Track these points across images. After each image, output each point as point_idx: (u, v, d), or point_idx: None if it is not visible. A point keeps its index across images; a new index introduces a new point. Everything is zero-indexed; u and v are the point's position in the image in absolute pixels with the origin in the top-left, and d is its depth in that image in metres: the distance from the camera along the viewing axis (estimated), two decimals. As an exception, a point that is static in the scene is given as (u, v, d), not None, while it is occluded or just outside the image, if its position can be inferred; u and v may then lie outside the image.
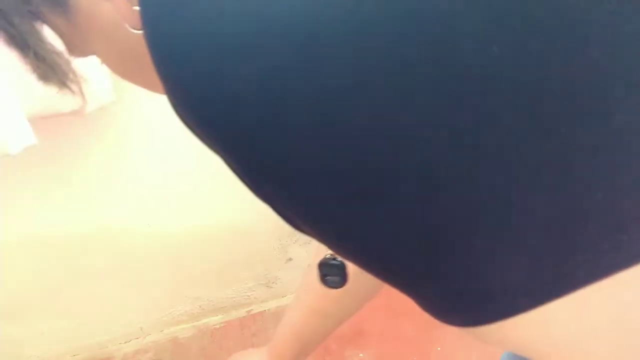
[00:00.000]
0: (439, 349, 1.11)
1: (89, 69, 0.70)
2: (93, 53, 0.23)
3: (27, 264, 0.93)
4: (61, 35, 0.21)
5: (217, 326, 1.21)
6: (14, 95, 0.59)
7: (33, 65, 0.21)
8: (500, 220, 0.13)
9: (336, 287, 0.44)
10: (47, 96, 0.65)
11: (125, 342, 1.17)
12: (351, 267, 0.42)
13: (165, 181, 0.94)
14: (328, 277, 0.45)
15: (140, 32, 0.15)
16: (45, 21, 0.20)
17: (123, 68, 0.23)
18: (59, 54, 0.21)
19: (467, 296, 0.15)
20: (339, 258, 0.42)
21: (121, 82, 0.86)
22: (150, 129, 0.87)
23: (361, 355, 1.11)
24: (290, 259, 1.22)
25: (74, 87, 0.22)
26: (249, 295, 1.24)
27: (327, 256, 0.44)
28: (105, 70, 0.76)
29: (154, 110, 0.85)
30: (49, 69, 0.21)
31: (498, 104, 0.13)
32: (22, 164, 0.81)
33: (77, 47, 0.23)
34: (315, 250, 0.48)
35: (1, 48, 0.62)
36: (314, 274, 0.45)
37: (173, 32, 0.14)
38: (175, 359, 1.14)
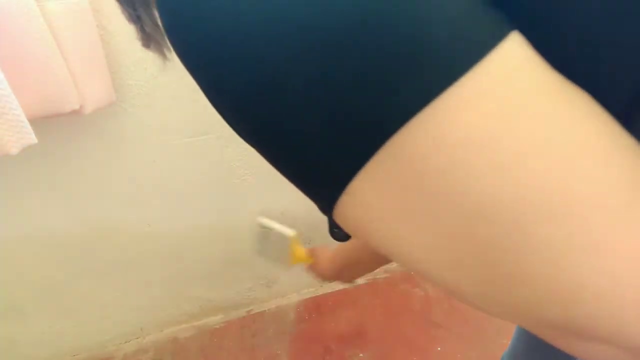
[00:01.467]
0: (439, 349, 1.11)
1: (89, 69, 0.70)
2: None
3: (27, 264, 0.93)
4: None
5: (217, 326, 1.22)
6: (14, 95, 0.59)
7: (142, 38, 0.26)
8: None
9: (341, 240, 0.45)
10: (47, 96, 0.65)
11: (125, 342, 1.17)
12: None
13: (165, 181, 0.94)
14: (335, 230, 0.46)
15: None
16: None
17: None
18: (157, 28, 0.26)
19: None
20: None
21: (121, 82, 0.86)
22: (150, 129, 0.87)
23: (361, 355, 1.11)
24: (290, 259, 1.22)
25: (167, 53, 0.27)
26: (249, 295, 1.24)
27: None
28: (105, 70, 0.77)
29: (153, 111, 0.85)
30: (153, 41, 0.27)
31: None
32: (22, 164, 0.81)
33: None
34: None
35: (2, 48, 0.62)
36: None
37: None
38: (175, 359, 1.14)
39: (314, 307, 1.26)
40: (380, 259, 0.54)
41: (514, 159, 0.13)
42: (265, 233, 0.52)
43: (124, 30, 0.75)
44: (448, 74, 0.13)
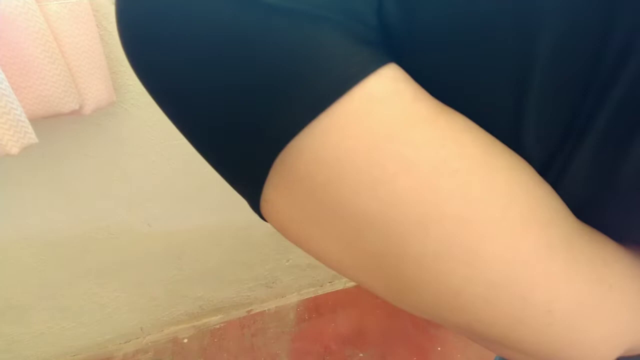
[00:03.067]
0: (439, 349, 1.11)
1: (89, 69, 0.70)
2: None
3: (27, 264, 0.93)
4: None
5: (217, 326, 1.22)
6: (14, 95, 0.59)
7: None
8: None
9: None
10: (47, 96, 0.65)
11: (125, 342, 1.17)
12: None
13: (165, 181, 0.94)
14: None
15: None
16: None
17: None
18: None
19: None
20: None
21: (121, 82, 0.86)
22: (150, 129, 0.87)
23: (361, 355, 1.11)
24: (290, 260, 1.22)
25: None
26: (249, 295, 1.24)
27: None
28: (105, 70, 0.77)
29: (153, 111, 0.85)
30: None
31: None
32: (22, 164, 0.81)
33: None
34: None
35: (2, 48, 0.62)
36: None
37: None
38: (175, 359, 1.14)
39: (314, 307, 1.26)
40: None
41: (379, 177, 0.15)
42: None
43: (124, 30, 0.75)
44: (317, 103, 0.15)
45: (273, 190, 0.17)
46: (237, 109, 0.15)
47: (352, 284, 1.32)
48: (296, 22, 0.14)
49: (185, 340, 1.18)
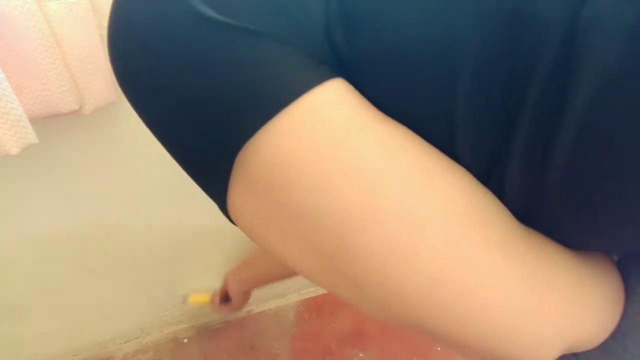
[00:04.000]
0: (439, 349, 1.11)
1: (90, 69, 0.70)
2: None
3: (27, 264, 0.93)
4: None
5: (217, 326, 1.22)
6: (14, 95, 0.59)
7: None
8: None
9: None
10: (47, 96, 0.65)
11: (125, 342, 1.17)
12: None
13: (165, 181, 0.94)
14: None
15: None
16: None
17: None
18: None
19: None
20: None
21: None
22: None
23: (361, 355, 1.11)
24: (290, 259, 1.22)
25: None
26: (249, 295, 1.24)
27: None
28: (105, 70, 0.77)
29: (154, 110, 0.85)
30: None
31: None
32: (22, 164, 0.81)
33: None
34: None
35: (2, 48, 0.62)
36: None
37: None
38: (175, 359, 1.14)
39: (314, 307, 1.26)
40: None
41: (322, 179, 0.16)
42: None
43: (124, 30, 0.75)
44: (268, 109, 0.16)
45: (236, 193, 0.18)
46: (199, 116, 0.17)
47: (352, 284, 1.32)
48: (253, 39, 0.15)
49: (185, 340, 1.18)
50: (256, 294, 1.25)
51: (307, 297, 1.29)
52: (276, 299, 1.28)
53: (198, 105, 0.16)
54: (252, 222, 0.19)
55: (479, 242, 0.17)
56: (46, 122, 0.72)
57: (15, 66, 0.61)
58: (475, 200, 0.17)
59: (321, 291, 1.31)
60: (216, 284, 1.17)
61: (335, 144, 0.16)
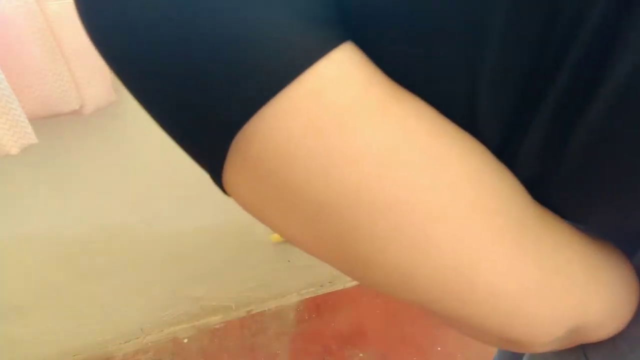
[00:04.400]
0: (439, 349, 1.11)
1: (90, 69, 0.70)
2: None
3: (27, 264, 0.93)
4: None
5: (217, 326, 1.22)
6: (14, 96, 0.59)
7: None
8: None
9: None
10: (47, 96, 0.65)
11: (125, 342, 1.17)
12: None
13: (166, 181, 0.94)
14: None
15: None
16: None
17: None
18: None
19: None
20: None
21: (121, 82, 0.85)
22: (150, 129, 0.87)
23: (361, 355, 1.11)
24: (289, 260, 1.22)
25: None
26: (248, 295, 1.24)
27: None
28: (105, 70, 0.77)
29: (154, 110, 0.85)
30: None
31: None
32: (22, 164, 0.81)
33: None
34: None
35: (2, 48, 0.62)
36: None
37: None
38: (175, 359, 1.14)
39: (314, 307, 1.26)
40: None
41: (327, 165, 0.15)
42: None
43: (124, 30, 0.75)
44: (267, 89, 0.14)
45: (232, 172, 0.18)
46: (193, 93, 0.15)
47: (352, 284, 1.32)
48: (247, 3, 0.14)
49: (185, 340, 1.18)
50: (256, 294, 1.26)
51: (307, 297, 1.29)
52: (276, 299, 1.28)
53: (193, 79, 0.15)
54: (248, 200, 0.18)
55: (488, 229, 0.17)
56: (46, 122, 0.72)
57: (15, 66, 0.61)
58: (487, 185, 0.17)
59: (321, 291, 1.31)
60: (216, 284, 1.17)
61: (342, 128, 0.15)
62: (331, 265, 0.20)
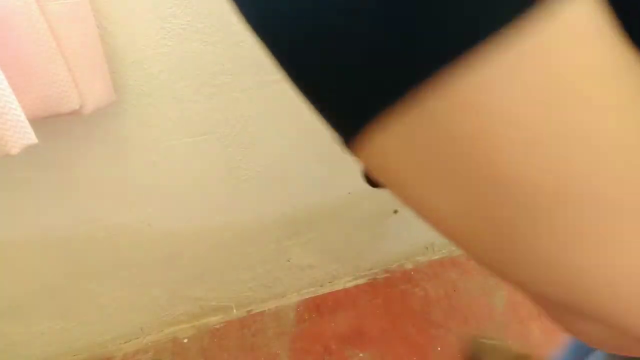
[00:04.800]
0: (439, 349, 1.11)
1: (89, 69, 0.70)
2: None
3: (27, 264, 0.93)
4: None
5: (217, 326, 1.22)
6: (14, 96, 0.59)
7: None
8: None
9: (374, 187, 0.46)
10: (47, 96, 0.65)
11: (125, 342, 1.17)
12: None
13: (165, 181, 0.94)
14: (367, 176, 0.47)
15: None
16: None
17: None
18: None
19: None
20: None
21: (121, 82, 0.86)
22: (150, 129, 0.87)
23: (361, 355, 1.11)
24: (289, 260, 1.22)
25: None
26: (248, 295, 1.24)
27: None
28: (105, 70, 0.77)
29: (153, 111, 0.85)
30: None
31: None
32: (22, 164, 0.81)
33: None
34: None
35: (2, 48, 0.62)
36: None
37: None
38: (175, 359, 1.14)
39: (314, 307, 1.26)
40: None
41: (545, 143, 0.12)
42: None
43: (124, 30, 0.75)
44: (482, 25, 0.10)
45: (386, 131, 0.14)
46: (376, 29, 0.12)
47: (352, 283, 1.32)
48: None
49: (185, 340, 1.18)
50: (256, 294, 1.26)
51: (307, 297, 1.29)
52: (276, 299, 1.28)
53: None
54: (393, 164, 0.15)
55: None
56: (46, 122, 0.72)
57: (15, 66, 0.61)
58: None
59: (321, 291, 1.31)
60: (216, 284, 1.17)
61: (582, 99, 0.11)
62: (458, 245, 0.17)
